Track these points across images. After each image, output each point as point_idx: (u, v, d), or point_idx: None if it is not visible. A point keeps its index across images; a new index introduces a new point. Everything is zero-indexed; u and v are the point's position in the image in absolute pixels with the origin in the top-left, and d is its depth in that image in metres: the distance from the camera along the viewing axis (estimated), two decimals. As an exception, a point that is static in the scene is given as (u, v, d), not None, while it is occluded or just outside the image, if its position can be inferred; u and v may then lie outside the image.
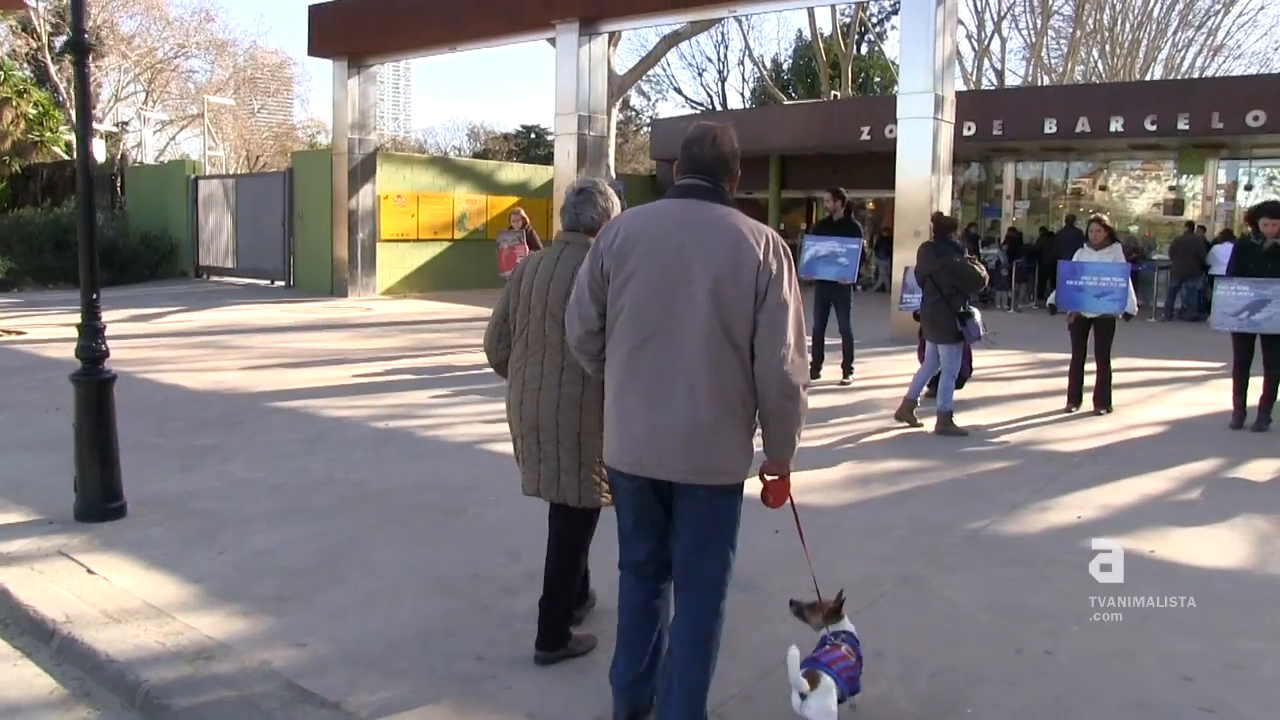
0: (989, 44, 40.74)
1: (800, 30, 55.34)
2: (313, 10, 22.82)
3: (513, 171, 26.83)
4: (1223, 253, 19.10)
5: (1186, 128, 20.16)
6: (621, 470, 3.22)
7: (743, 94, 49.58)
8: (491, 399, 9.72)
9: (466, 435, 8.23)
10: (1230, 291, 8.88)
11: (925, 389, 9.07)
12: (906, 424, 8.65)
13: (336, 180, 22.10)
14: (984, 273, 8.58)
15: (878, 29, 46.21)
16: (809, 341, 3.65)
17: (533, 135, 53.22)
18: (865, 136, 23.65)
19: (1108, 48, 41.41)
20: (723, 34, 45.62)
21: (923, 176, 14.73)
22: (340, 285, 22.01)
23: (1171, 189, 24.04)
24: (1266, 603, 4.84)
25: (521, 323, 3.91)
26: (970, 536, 5.74)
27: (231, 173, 38.07)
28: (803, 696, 3.22)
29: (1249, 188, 23.04)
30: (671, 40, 27.05)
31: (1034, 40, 40.77)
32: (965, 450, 7.93)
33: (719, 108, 46.13)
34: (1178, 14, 40.88)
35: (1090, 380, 9.48)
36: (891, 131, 22.56)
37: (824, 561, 4.45)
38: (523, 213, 14.15)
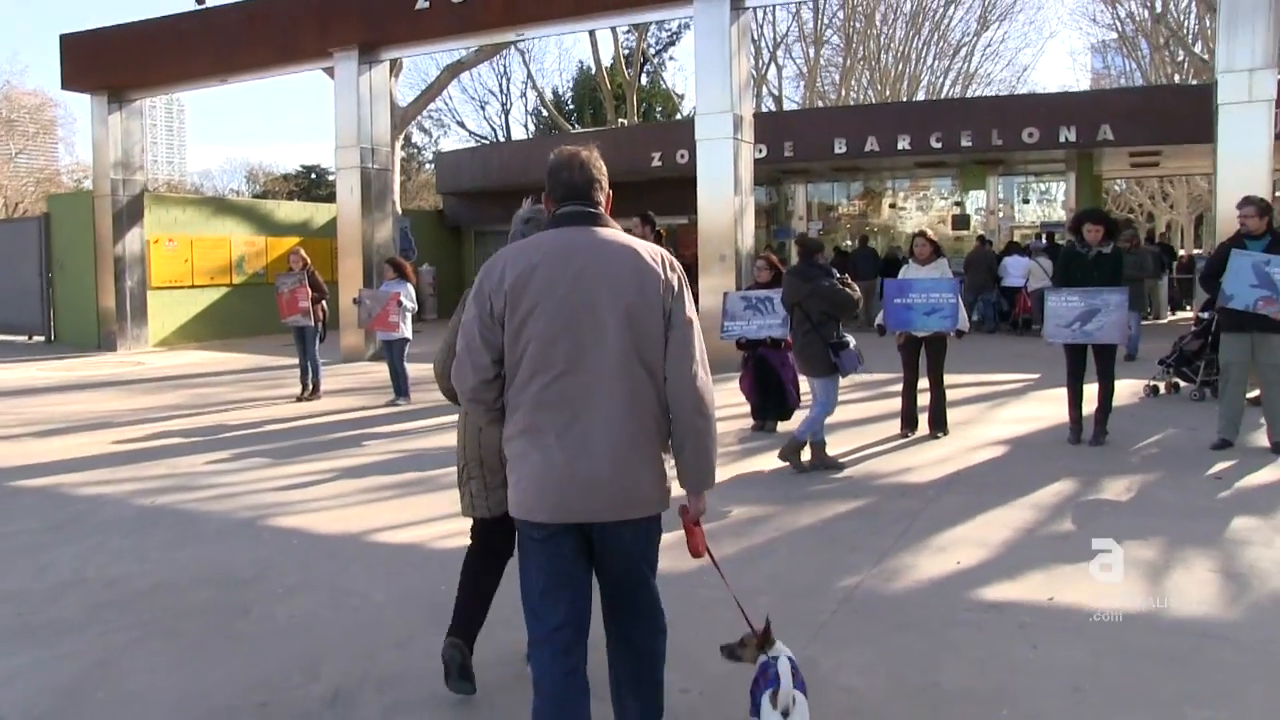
0: (766, 71, 41.54)
1: (582, 61, 55.34)
2: (65, 40, 20.84)
3: (293, 210, 25.31)
4: (1013, 264, 19.79)
5: (970, 144, 20.81)
6: (536, 520, 3.01)
7: (526, 126, 49.09)
8: (277, 461, 8.61)
9: (250, 508, 7.08)
10: (1061, 303, 8.65)
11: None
12: (789, 464, 7.95)
13: (100, 224, 20.25)
14: (858, 295, 8.08)
15: (656, 59, 46.52)
16: None
17: (313, 175, 50.95)
18: (657, 163, 23.42)
19: (876, 75, 43.01)
20: (505, 66, 45.02)
21: (725, 198, 14.38)
22: (108, 338, 20.14)
23: (956, 204, 24.80)
24: (1193, 653, 4.32)
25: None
26: (847, 599, 5.08)
27: (-24, 221, 34.67)
28: (785, 715, 3.10)
29: (1026, 201, 24.00)
30: (455, 69, 26.22)
31: (809, 67, 41.87)
32: (812, 489, 7.37)
33: (503, 140, 45.38)
34: (934, 45, 43.19)
35: (924, 401, 9.14)
36: (684, 156, 22.69)
37: (683, 650, 3.78)
38: (303, 253, 12.89)
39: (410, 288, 12.02)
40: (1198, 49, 31.86)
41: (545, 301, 2.95)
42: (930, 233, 9.72)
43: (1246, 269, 8.08)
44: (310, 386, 12.54)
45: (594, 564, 3.12)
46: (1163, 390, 11.20)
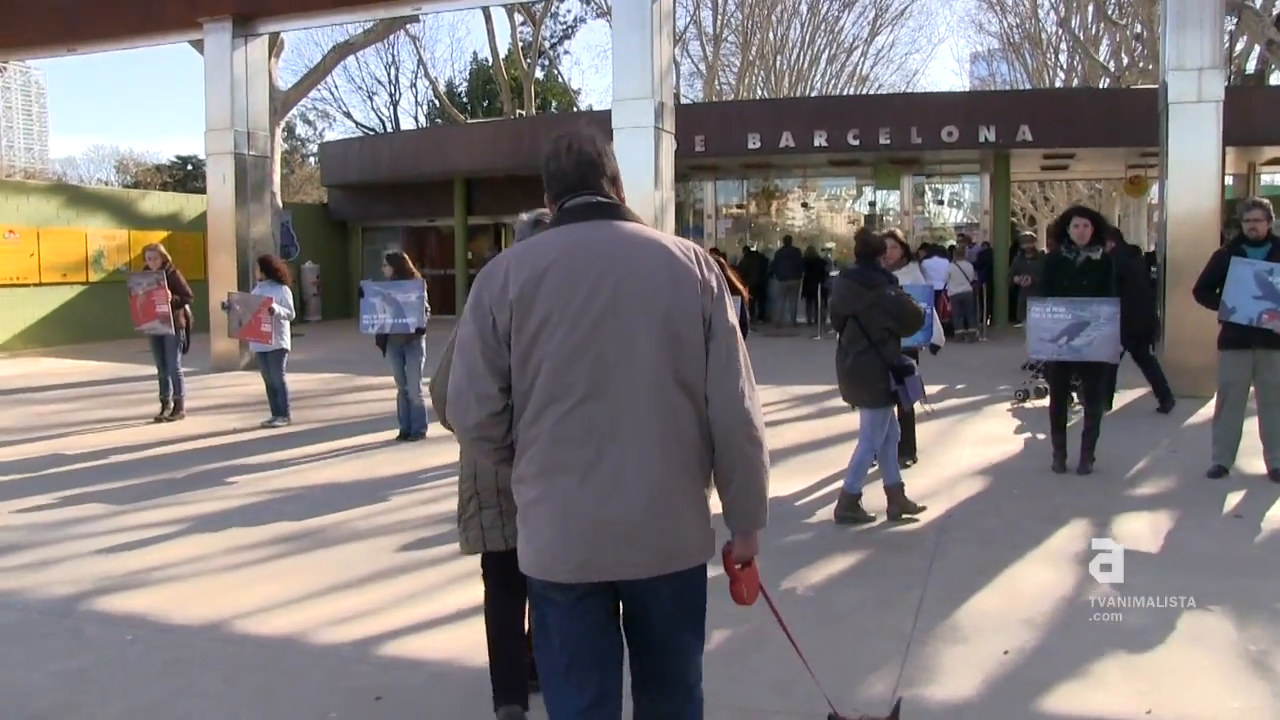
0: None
1: (476, 52, 53.50)
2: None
3: (160, 202, 23.15)
4: (933, 267, 18.88)
5: (888, 142, 19.98)
6: (557, 581, 2.51)
7: (416, 117, 47.03)
8: (118, 509, 6.96)
9: (72, 583, 5.41)
10: (1045, 314, 7.57)
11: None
12: (850, 522, 6.50)
13: (-75, 214, 17.90)
14: (924, 309, 6.82)
15: (552, 52, 45.06)
16: None
17: (190, 166, 47.93)
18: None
19: (771, 76, 42.54)
20: (394, 54, 43.05)
21: (645, 193, 13.04)
22: (-67, 343, 17.83)
23: (870, 204, 24.06)
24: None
25: None
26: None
27: None
28: None
29: (940, 202, 23.35)
30: (343, 51, 24.38)
31: (708, 64, 40.93)
32: (785, 541, 6.05)
33: (391, 130, 43.35)
34: (827, 47, 43.11)
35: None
36: (583, 150, 21.38)
37: None
38: (161, 249, 10.92)
39: (285, 291, 10.26)
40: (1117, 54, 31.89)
41: (560, 312, 2.48)
42: (899, 233, 8.62)
43: (1249, 279, 7.26)
44: (171, 405, 10.78)
45: (625, 625, 2.66)
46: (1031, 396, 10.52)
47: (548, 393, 2.47)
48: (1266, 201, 7.66)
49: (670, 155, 13.60)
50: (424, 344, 9.35)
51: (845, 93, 42.54)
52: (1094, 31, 33.65)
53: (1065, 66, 37.73)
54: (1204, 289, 7.75)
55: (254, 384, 11.85)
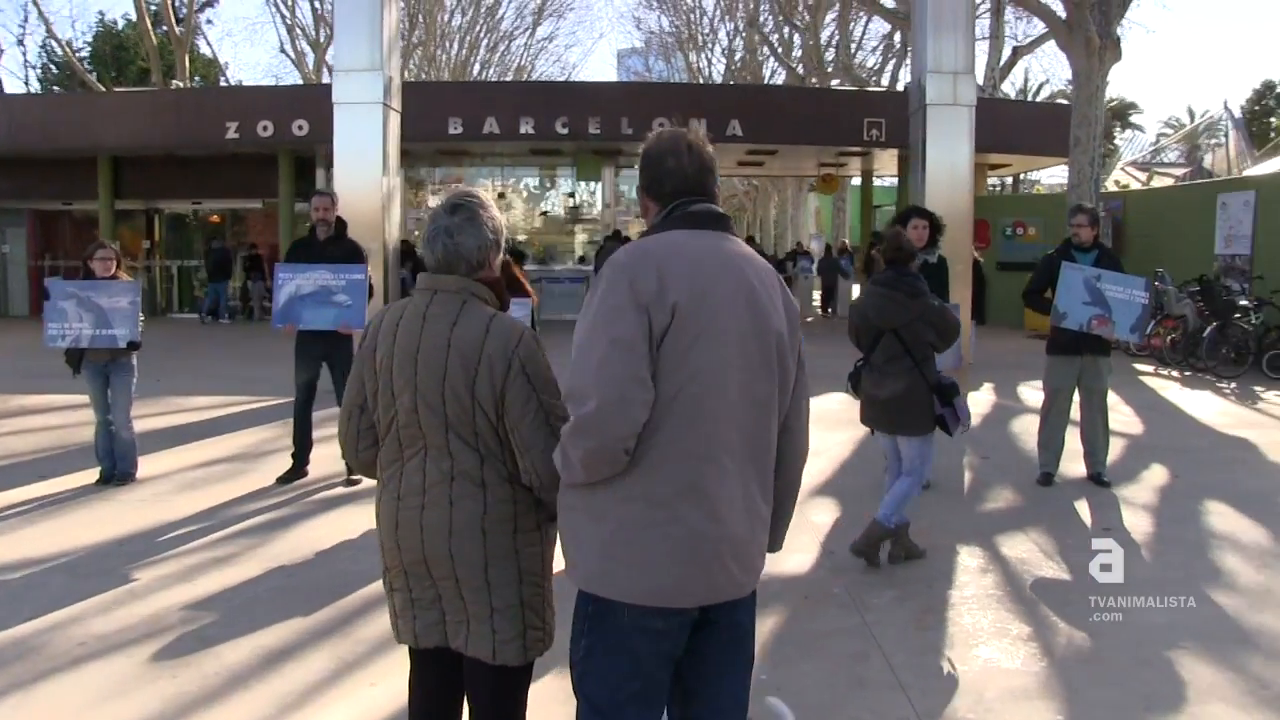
0: (326, 50, 37.50)
1: (103, 13, 47.69)
2: None
3: None
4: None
5: (598, 131, 19.31)
6: (666, 607, 2.39)
7: (27, 81, 41.15)
8: None
9: None
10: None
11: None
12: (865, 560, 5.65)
13: None
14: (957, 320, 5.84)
15: (193, 19, 40.74)
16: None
17: None
18: (233, 134, 19.46)
19: (435, 62, 41.11)
20: (-2, 7, 37.15)
21: (371, 178, 11.52)
22: None
23: (570, 196, 23.30)
24: None
25: (387, 411, 2.77)
26: None
27: None
28: None
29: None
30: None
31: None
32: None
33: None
34: (486, 35, 42.96)
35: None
36: (267, 129, 19.11)
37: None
38: None
39: None
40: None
41: (712, 327, 2.39)
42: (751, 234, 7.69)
43: (1079, 284, 7.19)
44: None
45: (693, 650, 2.52)
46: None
47: (693, 408, 2.37)
48: (1091, 207, 7.51)
49: (397, 136, 12.05)
50: (135, 362, 7.37)
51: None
52: (785, 34, 34.86)
53: (737, 65, 39.03)
54: (1033, 293, 7.57)
55: None
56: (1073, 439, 7.56)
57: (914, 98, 12.25)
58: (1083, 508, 6.88)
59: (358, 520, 6.41)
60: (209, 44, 42.01)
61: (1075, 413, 7.50)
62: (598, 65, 64.39)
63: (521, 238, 23.29)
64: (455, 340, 2.65)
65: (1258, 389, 11.89)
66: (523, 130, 19.21)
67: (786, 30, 34.41)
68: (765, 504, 2.53)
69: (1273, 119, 43.53)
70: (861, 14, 31.25)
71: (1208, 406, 10.77)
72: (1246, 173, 22.64)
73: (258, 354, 15.29)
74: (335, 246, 7.47)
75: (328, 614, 4.90)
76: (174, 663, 4.30)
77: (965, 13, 11.95)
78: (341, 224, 7.57)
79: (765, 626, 4.52)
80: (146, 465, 7.62)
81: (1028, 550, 5.92)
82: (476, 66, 42.99)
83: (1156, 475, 7.75)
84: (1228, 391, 11.81)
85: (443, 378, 2.67)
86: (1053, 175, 37.49)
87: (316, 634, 4.66)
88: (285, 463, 7.58)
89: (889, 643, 4.55)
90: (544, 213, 24.44)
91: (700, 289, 2.39)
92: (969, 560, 5.73)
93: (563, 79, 45.57)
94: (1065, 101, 39.02)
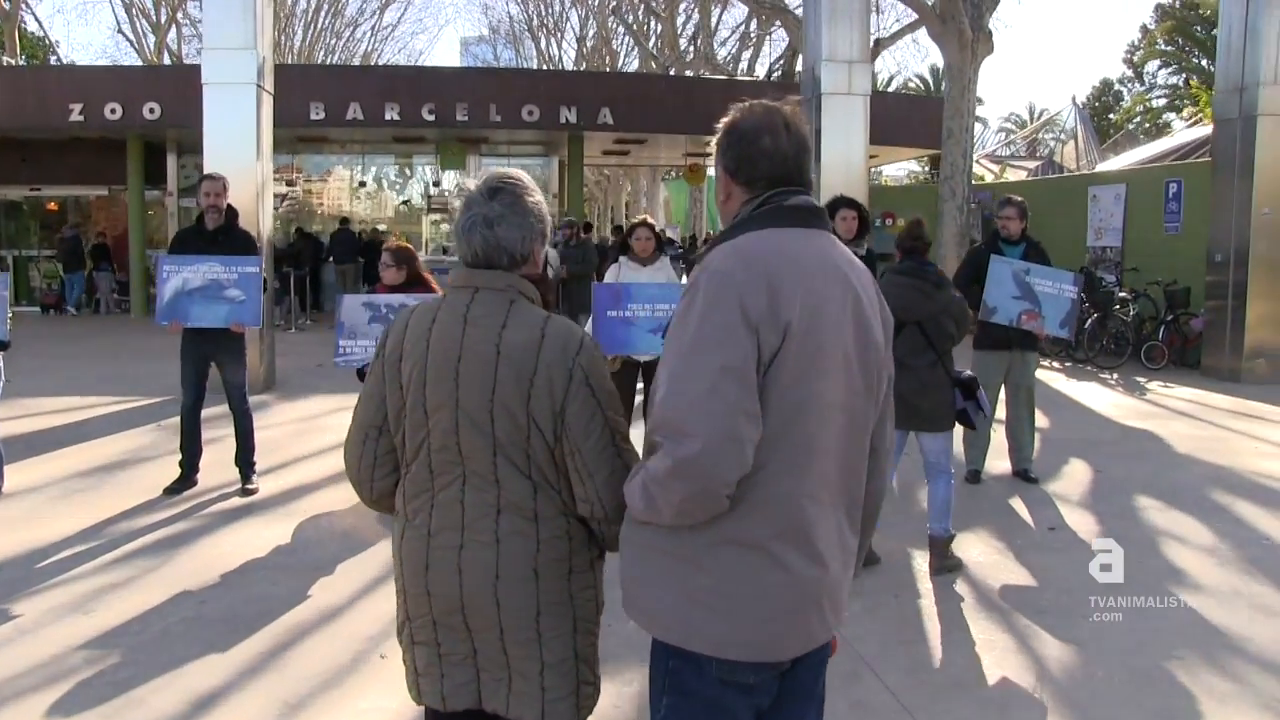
0: (167, 32, 35.39)
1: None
2: None
3: None
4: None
5: (465, 119, 18.69)
6: (760, 661, 2.12)
7: None
8: None
9: None
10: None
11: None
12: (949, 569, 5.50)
13: None
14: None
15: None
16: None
17: None
18: (77, 116, 18.10)
19: (283, 39, 39.58)
20: None
21: (245, 165, 10.67)
22: None
23: (435, 185, 22.58)
24: None
25: (416, 433, 2.37)
26: None
27: None
28: None
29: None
30: None
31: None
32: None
33: None
34: (329, 19, 41.53)
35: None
36: (115, 111, 17.80)
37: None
38: None
39: None
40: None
41: (824, 349, 2.07)
42: (651, 219, 7.42)
43: (1007, 278, 7.12)
44: None
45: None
46: None
47: (803, 445, 2.07)
48: (1020, 199, 7.43)
49: (270, 120, 11.27)
50: (2, 364, 6.57)
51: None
52: (642, 20, 34.62)
53: (588, 52, 38.70)
54: (961, 287, 7.41)
55: None
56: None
57: (806, 87, 12.16)
58: (1019, 506, 6.81)
59: (264, 535, 5.88)
60: (37, 20, 38.83)
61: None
62: (443, 53, 62.59)
63: (382, 227, 22.50)
64: (505, 347, 2.27)
65: (1140, 379, 12.24)
66: (388, 116, 18.45)
67: (643, 15, 34.30)
68: (854, 535, 2.25)
69: (1112, 115, 45.73)
70: (718, 2, 31.38)
71: (1100, 398, 10.99)
72: (1099, 167, 23.54)
73: (113, 350, 14.32)
74: (227, 237, 6.82)
75: (254, 647, 4.37)
76: (88, 715, 3.71)
77: (861, 1, 11.97)
78: (233, 212, 6.91)
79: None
80: (12, 476, 6.82)
81: (982, 553, 5.80)
82: (322, 53, 41.48)
83: (1079, 470, 7.78)
84: (1112, 383, 12.11)
85: (491, 392, 2.29)
86: (900, 168, 38.37)
87: (247, 672, 4.13)
88: (171, 471, 6.89)
89: (877, 661, 4.32)
90: (404, 202, 23.64)
91: (812, 305, 2.07)
92: (926, 566, 5.55)
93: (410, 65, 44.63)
94: (912, 93, 40.16)
